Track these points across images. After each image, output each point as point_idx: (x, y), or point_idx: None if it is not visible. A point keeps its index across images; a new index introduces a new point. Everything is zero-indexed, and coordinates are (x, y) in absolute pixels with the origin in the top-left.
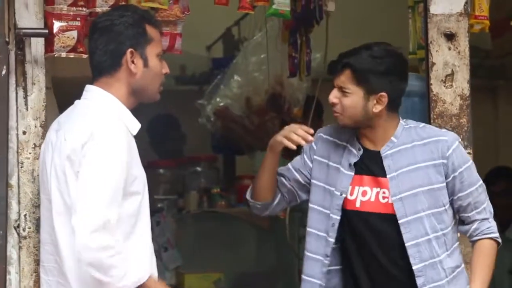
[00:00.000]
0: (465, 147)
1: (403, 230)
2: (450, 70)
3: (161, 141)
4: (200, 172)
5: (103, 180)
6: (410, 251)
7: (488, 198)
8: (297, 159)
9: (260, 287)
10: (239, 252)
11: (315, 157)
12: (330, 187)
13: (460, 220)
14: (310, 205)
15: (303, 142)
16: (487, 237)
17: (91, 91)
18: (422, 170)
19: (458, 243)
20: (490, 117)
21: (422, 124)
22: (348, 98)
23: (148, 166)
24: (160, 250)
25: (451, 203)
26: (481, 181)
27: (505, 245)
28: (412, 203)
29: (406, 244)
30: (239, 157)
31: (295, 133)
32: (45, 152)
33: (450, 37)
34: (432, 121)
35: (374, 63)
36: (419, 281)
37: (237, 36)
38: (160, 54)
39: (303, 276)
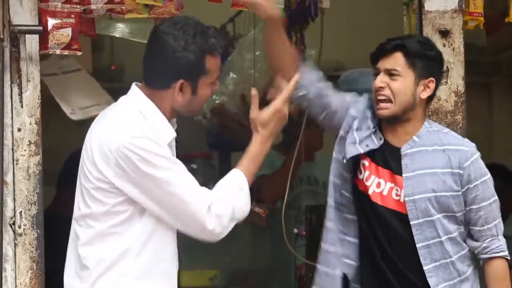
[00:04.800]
0: None
1: (414, 231)
2: (445, 67)
3: None
4: (196, 169)
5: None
6: (420, 252)
7: (500, 215)
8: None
9: (256, 284)
10: (235, 249)
11: (350, 111)
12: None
13: (469, 234)
14: (334, 154)
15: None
16: (497, 256)
17: (134, 93)
18: (439, 176)
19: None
20: (484, 114)
21: (446, 130)
22: (398, 82)
23: None
24: None
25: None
26: (496, 197)
27: None
28: (424, 206)
29: (417, 245)
30: (234, 154)
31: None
32: (86, 143)
33: (444, 33)
34: (427, 118)
35: (424, 47)
36: (431, 281)
37: (232, 33)
38: (213, 81)
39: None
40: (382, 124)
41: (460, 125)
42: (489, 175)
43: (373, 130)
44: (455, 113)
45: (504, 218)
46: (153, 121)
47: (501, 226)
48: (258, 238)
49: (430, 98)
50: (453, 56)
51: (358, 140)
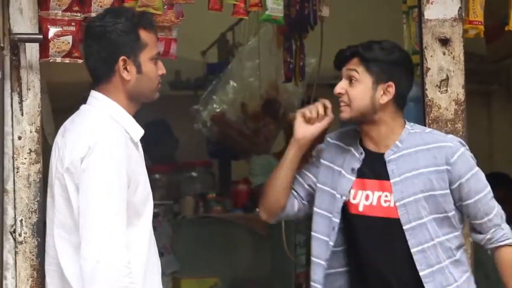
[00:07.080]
0: None
1: (408, 236)
2: (445, 75)
3: (153, 146)
4: (196, 177)
5: (106, 199)
6: (416, 257)
7: (497, 202)
8: (308, 166)
9: None
10: (235, 257)
11: (322, 161)
12: (334, 190)
13: (472, 227)
14: (315, 209)
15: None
16: (504, 244)
17: (95, 97)
18: (424, 175)
19: (463, 248)
20: (484, 122)
21: (428, 130)
22: (356, 88)
23: None
24: None
25: (460, 209)
26: (489, 187)
27: None
28: (415, 209)
29: (412, 250)
30: (234, 162)
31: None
32: (52, 157)
33: (444, 42)
34: (427, 126)
35: (383, 52)
36: (428, 287)
37: (232, 41)
38: (154, 57)
39: (311, 283)
40: (363, 133)
41: (460, 133)
42: (477, 168)
43: (350, 148)
44: (455, 122)
45: None
46: (124, 121)
47: (501, 212)
48: (258, 247)
49: (401, 102)
50: (453, 64)
51: (344, 170)
